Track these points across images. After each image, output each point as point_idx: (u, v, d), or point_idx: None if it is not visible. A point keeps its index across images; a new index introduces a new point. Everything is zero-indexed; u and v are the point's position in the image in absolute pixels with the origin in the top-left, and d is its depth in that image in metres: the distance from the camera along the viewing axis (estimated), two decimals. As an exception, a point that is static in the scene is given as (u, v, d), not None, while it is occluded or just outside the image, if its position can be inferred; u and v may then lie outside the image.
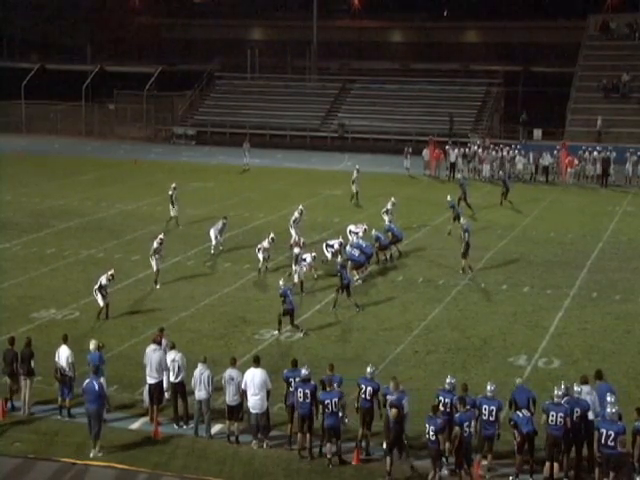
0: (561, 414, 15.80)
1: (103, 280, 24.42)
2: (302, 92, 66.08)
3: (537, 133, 56.68)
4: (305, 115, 62.69)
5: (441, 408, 16.42)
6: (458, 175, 46.78)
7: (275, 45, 77.64)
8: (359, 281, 28.09)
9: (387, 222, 32.27)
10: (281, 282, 23.81)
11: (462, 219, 31.49)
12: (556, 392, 16.07)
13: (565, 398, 16.09)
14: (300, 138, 61.27)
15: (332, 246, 29.54)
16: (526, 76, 68.14)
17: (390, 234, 30.81)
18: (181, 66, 73.51)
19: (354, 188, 40.86)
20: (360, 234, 30.25)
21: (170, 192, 34.97)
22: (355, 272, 28.22)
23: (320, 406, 16.83)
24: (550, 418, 15.85)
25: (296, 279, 27.01)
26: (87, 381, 17.16)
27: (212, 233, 31.20)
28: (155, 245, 27.28)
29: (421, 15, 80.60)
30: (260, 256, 28.76)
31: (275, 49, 75.40)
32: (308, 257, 27.65)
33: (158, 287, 27.17)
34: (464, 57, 74.06)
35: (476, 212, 38.41)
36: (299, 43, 71.70)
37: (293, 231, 31.76)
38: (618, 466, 14.96)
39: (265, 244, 28.76)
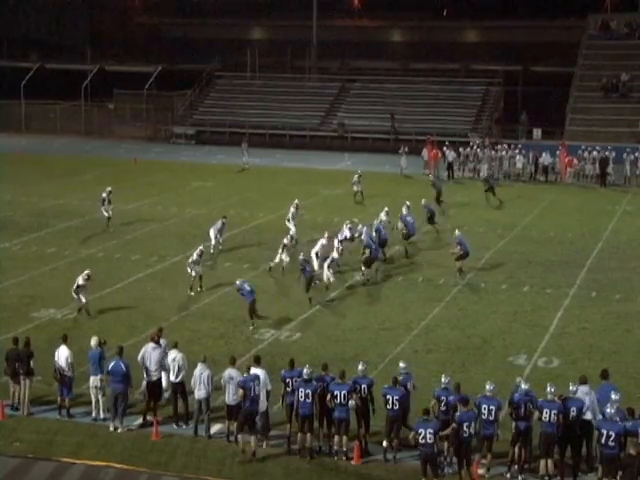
0: (554, 411, 15.87)
1: (80, 281, 24.42)
2: (302, 91, 65.95)
3: (537, 133, 56.64)
4: (305, 114, 62.57)
5: (442, 407, 16.48)
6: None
7: (275, 45, 77.60)
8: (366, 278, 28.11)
9: (404, 212, 31.86)
10: (238, 282, 24.29)
11: (456, 231, 30.81)
12: (549, 389, 16.13)
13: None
14: (300, 137, 61.14)
15: (345, 238, 29.57)
16: (526, 76, 68.07)
17: (404, 226, 31.07)
18: (181, 66, 73.36)
19: (355, 188, 40.83)
20: (383, 219, 31.04)
21: (104, 195, 34.68)
22: (364, 268, 28.24)
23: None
24: (544, 415, 15.92)
25: (277, 261, 28.43)
26: (113, 363, 17.89)
27: (212, 233, 31.21)
28: (195, 257, 26.93)
29: (421, 15, 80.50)
30: (284, 257, 28.66)
31: (275, 49, 75.37)
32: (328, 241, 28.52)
33: (192, 294, 26.87)
34: (464, 57, 74.04)
35: (474, 211, 38.38)
36: (299, 43, 71.60)
37: (292, 226, 31.88)
38: (622, 467, 14.95)
39: (286, 241, 28.98)
